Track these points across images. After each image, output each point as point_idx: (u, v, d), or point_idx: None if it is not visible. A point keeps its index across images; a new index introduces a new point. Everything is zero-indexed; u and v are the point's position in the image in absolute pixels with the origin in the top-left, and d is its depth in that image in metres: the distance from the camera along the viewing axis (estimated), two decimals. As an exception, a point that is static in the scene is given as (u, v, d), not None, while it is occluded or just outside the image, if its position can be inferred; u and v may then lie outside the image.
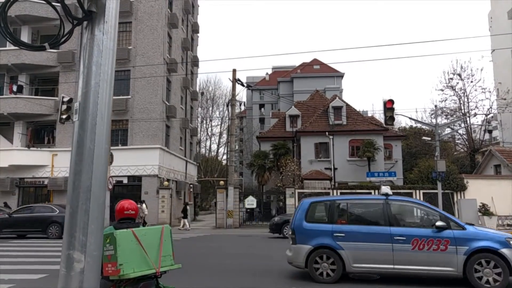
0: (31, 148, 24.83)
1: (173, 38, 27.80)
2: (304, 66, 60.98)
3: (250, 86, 24.51)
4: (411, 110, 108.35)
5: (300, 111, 35.26)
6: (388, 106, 16.10)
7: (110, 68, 2.38)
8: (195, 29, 35.59)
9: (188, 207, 23.77)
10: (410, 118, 37.20)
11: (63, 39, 2.42)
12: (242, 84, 24.24)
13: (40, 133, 26.13)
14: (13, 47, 24.71)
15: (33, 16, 24.84)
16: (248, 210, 24.57)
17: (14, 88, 24.93)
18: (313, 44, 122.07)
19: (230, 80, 23.89)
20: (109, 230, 3.62)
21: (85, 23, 2.40)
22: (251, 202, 23.92)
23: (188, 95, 33.14)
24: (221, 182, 25.24)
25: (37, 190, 25.07)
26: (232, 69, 24.07)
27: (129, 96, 24.41)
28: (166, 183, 24.14)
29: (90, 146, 2.20)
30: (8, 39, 2.38)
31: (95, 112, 2.24)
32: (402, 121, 54.92)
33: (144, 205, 22.65)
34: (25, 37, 25.38)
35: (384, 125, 24.67)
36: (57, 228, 16.70)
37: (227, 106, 25.69)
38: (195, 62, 35.14)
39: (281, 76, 62.16)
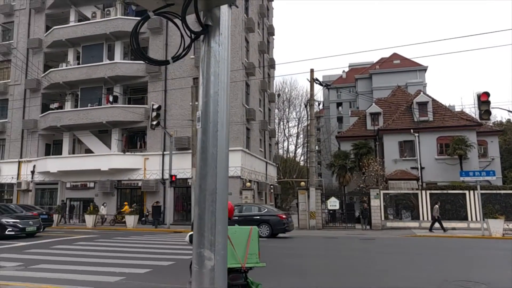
0: (126, 153, 27.07)
1: (250, 42, 28.43)
2: (383, 61, 58.39)
3: (328, 85, 24.17)
4: (506, 102, 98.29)
5: (381, 108, 33.89)
6: (483, 99, 14.83)
7: (226, 77, 2.50)
8: (271, 32, 36.02)
9: None
10: (509, 111, 33.74)
11: (183, 53, 2.60)
12: (320, 84, 23.97)
13: (133, 139, 28.40)
14: (108, 62, 27.22)
15: (124, 32, 27.08)
16: (331, 211, 24.18)
17: (111, 98, 27.43)
18: (391, 39, 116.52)
19: (308, 80, 23.76)
20: None
21: (201, 36, 2.55)
22: (333, 203, 23.50)
23: (266, 97, 33.63)
24: (302, 183, 25.23)
25: (132, 191, 27.25)
26: (309, 69, 24.00)
27: (213, 101, 25.43)
28: (248, 184, 24.73)
29: (213, 152, 2.34)
30: (140, 57, 2.62)
31: (215, 119, 2.37)
32: (497, 115, 50.05)
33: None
34: (118, 51, 27.80)
35: (479, 120, 22.70)
36: (268, 228, 17.16)
37: (306, 106, 25.57)
38: (272, 65, 35.55)
39: (359, 73, 60.25)
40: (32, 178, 28.88)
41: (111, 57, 28.07)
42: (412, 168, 28.71)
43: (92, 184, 27.51)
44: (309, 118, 24.39)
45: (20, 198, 29.18)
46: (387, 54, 65.14)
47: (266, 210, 18.30)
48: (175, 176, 23.27)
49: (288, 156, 55.05)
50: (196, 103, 23.63)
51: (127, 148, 27.94)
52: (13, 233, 15.69)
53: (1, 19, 30.84)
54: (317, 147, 58.07)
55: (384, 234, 19.52)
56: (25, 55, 30.01)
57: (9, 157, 30.01)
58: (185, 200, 26.15)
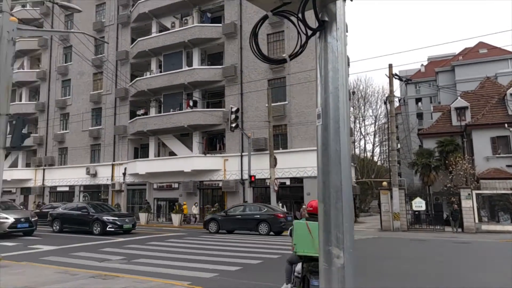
0: (207, 155, 28.19)
1: (324, 40, 27.95)
2: (466, 52, 54.03)
3: (408, 79, 22.92)
4: None
5: (468, 102, 31.37)
6: None
7: (344, 72, 2.47)
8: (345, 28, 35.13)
9: None
10: None
11: (300, 50, 2.61)
12: (399, 79, 22.86)
13: (213, 141, 29.50)
14: (187, 68, 28.59)
15: (201, 39, 28.27)
16: (416, 212, 22.88)
17: (191, 103, 28.78)
18: (473, 29, 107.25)
19: (386, 75, 22.78)
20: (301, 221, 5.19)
21: (318, 33, 2.53)
22: (419, 204, 22.22)
23: (341, 95, 32.82)
24: (384, 183, 24.21)
25: (213, 191, 28.31)
26: (388, 64, 22.94)
27: (286, 102, 25.54)
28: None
29: (336, 148, 2.31)
30: (259, 57, 2.68)
31: (336, 116, 2.34)
32: None
33: (280, 204, 24.15)
34: (196, 57, 29.09)
35: None
36: (266, 226, 18.17)
37: (385, 103, 24.51)
38: (347, 63, 34.59)
39: (439, 66, 56.32)
40: (123, 179, 31.32)
41: (189, 63, 29.46)
42: (508, 166, 26.10)
43: (176, 185, 29.08)
44: (389, 115, 23.34)
45: (114, 198, 31.82)
46: (470, 44, 60.06)
47: (265, 209, 19.01)
48: (254, 176, 23.69)
49: (365, 155, 53.22)
50: (273, 104, 24.07)
51: (207, 150, 29.10)
52: (113, 229, 17.18)
53: (94, 35, 33.89)
54: (398, 145, 55.37)
55: (480, 237, 17.98)
56: (114, 66, 32.73)
57: (104, 160, 32.90)
58: (264, 200, 26.48)
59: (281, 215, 18.36)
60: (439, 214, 22.84)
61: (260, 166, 25.27)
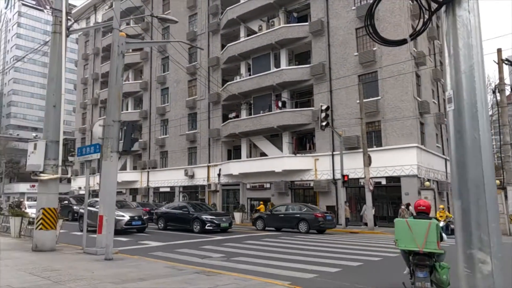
0: (297, 155, 28.11)
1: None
2: None
3: (524, 63, 20.17)
4: None
5: None
6: None
7: (480, 48, 2.12)
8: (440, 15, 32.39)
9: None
10: None
11: (423, 28, 2.34)
12: (511, 64, 20.28)
13: (302, 141, 29.33)
14: (275, 70, 28.85)
15: (288, 39, 28.29)
16: (537, 214, 20.09)
17: (280, 104, 28.96)
18: None
19: (494, 62, 20.40)
20: (401, 219, 5.99)
21: (444, 7, 2.22)
22: (539, 204, 19.47)
23: (440, 87, 30.35)
24: (497, 182, 21.66)
25: (305, 191, 28.12)
26: (496, 49, 20.51)
27: (379, 97, 24.32)
28: (427, 183, 22.67)
29: (475, 136, 2.00)
30: (376, 40, 2.47)
31: (472, 98, 2.04)
32: None
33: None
34: (283, 58, 29.20)
35: None
36: (306, 224, 19.38)
37: (493, 92, 21.95)
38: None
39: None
40: (218, 180, 32.71)
41: (277, 65, 29.69)
42: None
43: (268, 185, 29.50)
44: (499, 106, 20.88)
45: (210, 198, 33.41)
46: None
47: (305, 209, 20.12)
48: (347, 176, 22.97)
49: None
50: (365, 100, 23.11)
51: (297, 150, 29.01)
52: (211, 228, 17.98)
53: (188, 45, 36.03)
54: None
55: None
56: (207, 73, 34.41)
57: (200, 162, 34.75)
58: (357, 200, 25.58)
59: (319, 215, 19.35)
60: None
61: (352, 165, 24.45)
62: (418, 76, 25.34)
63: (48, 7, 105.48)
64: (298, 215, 19.87)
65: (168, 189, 37.71)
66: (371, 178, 22.04)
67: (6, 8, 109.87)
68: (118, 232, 16.71)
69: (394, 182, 23.67)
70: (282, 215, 20.67)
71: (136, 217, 17.70)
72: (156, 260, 9.60)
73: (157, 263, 8.93)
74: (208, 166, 34.01)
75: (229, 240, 15.27)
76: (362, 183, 24.37)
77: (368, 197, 21.56)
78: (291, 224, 20.01)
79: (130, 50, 40.84)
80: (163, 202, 36.35)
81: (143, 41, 26.59)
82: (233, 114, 32.80)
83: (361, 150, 23.73)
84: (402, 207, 20.75)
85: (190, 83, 36.74)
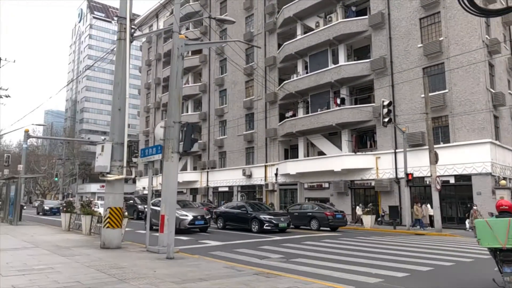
0: (357, 153, 27.19)
1: (491, 15, 24.01)
2: None
3: None
4: None
5: None
6: None
7: None
8: (517, -3, 29.62)
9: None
10: None
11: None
12: None
13: (363, 139, 28.32)
14: (333, 66, 28.13)
15: (346, 34, 27.46)
16: None
17: (338, 101, 28.22)
18: None
19: None
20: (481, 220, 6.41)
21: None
22: None
23: (517, 76, 27.76)
24: None
25: (365, 191, 27.14)
26: None
27: (446, 90, 22.75)
28: (503, 182, 20.81)
29: None
30: (472, 11, 2.14)
31: None
32: None
33: (429, 206, 22.58)
34: (342, 54, 28.41)
35: None
36: (316, 222, 20.50)
37: None
38: (522, 36, 29.11)
39: None
40: (276, 179, 32.63)
41: (335, 61, 28.95)
42: None
43: (327, 184, 28.88)
44: None
45: (268, 197, 33.45)
46: None
47: (317, 208, 21.21)
48: (412, 174, 21.76)
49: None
50: (430, 94, 21.71)
51: (357, 148, 28.07)
52: (269, 228, 17.88)
53: (245, 46, 36.37)
54: None
55: None
56: (263, 73, 34.50)
57: (257, 162, 34.94)
58: (423, 201, 24.14)
59: (329, 213, 20.33)
60: None
61: (417, 163, 23.16)
62: (491, 66, 23.37)
63: (115, 18, 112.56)
64: (310, 214, 21.01)
65: (226, 189, 38.38)
66: (438, 176, 20.67)
67: (79, 22, 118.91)
68: (181, 231, 17.14)
69: (464, 180, 22.04)
70: (296, 214, 21.66)
71: (199, 217, 17.87)
72: (215, 260, 9.66)
73: (217, 263, 8.97)
74: (265, 166, 34.07)
75: (288, 240, 15.07)
76: (427, 182, 23.01)
77: (435, 196, 20.25)
78: (304, 221, 21.18)
79: (190, 54, 42.19)
80: (222, 201, 37.08)
81: (201, 42, 27.22)
82: (290, 113, 32.55)
83: (426, 147, 22.38)
84: (474, 207, 19.23)
85: (247, 84, 37.07)
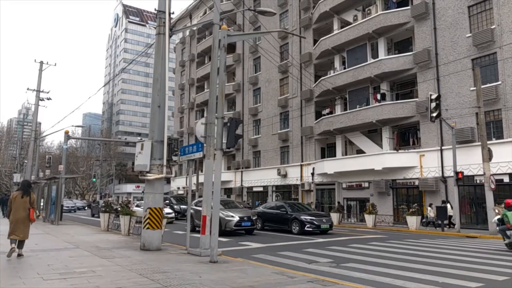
0: (399, 151, 25.89)
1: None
2: None
3: None
4: None
5: None
6: None
7: None
8: None
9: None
10: None
11: None
12: None
13: (405, 136, 26.94)
14: (373, 60, 26.95)
15: (387, 27, 26.21)
16: None
17: (378, 96, 27.00)
18: None
19: None
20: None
21: None
22: None
23: None
24: None
25: (408, 190, 25.79)
26: None
27: (499, 82, 21.15)
28: None
29: None
30: None
31: None
32: None
33: (448, 205, 21.76)
34: (382, 48, 27.17)
35: None
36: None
37: None
38: None
39: None
40: (312, 179, 31.73)
41: (374, 55, 27.75)
42: None
43: (366, 184, 27.72)
44: None
45: (304, 197, 32.60)
46: None
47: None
48: (462, 173, 20.35)
49: None
50: (481, 87, 20.22)
51: (399, 145, 26.74)
52: (311, 229, 17.12)
53: (279, 43, 35.71)
54: None
55: None
56: (299, 69, 33.68)
57: (293, 161, 34.15)
58: (472, 201, 22.62)
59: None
60: None
61: (465, 161, 21.69)
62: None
63: (149, 21, 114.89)
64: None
65: (261, 189, 37.82)
66: (492, 175, 19.19)
67: (115, 26, 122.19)
68: (227, 233, 16.53)
69: (520, 180, 20.38)
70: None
71: (245, 218, 16.97)
72: (261, 264, 9.05)
73: (264, 268, 8.35)
74: (301, 165, 33.24)
75: (333, 243, 14.27)
76: (477, 181, 21.51)
77: (489, 196, 18.82)
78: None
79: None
80: (256, 202, 36.55)
81: (244, 33, 26.51)
82: (327, 111, 31.58)
83: (476, 143, 20.98)
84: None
85: (281, 82, 36.36)
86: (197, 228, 16.81)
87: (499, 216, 13.40)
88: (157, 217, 10.82)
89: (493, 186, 18.72)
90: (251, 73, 40.31)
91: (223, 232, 16.07)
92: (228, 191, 41.94)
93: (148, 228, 10.72)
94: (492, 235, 18.05)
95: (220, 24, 9.85)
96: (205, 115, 43.99)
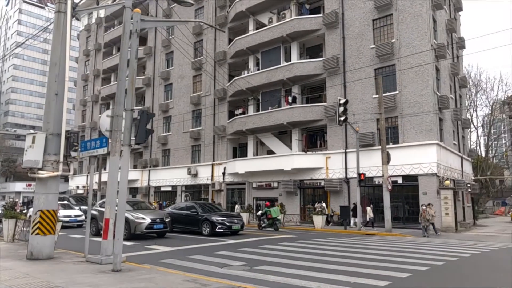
0: (307, 153, 26.86)
1: (438, 21, 24.88)
2: None
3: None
4: None
5: None
6: None
7: None
8: (458, 7, 31.21)
9: None
10: None
11: None
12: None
13: (313, 138, 28.06)
14: (286, 64, 27.59)
15: (300, 32, 27.03)
16: None
17: (290, 99, 27.70)
18: None
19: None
20: None
21: None
22: None
23: (457, 82, 29.16)
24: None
25: (315, 190, 26.88)
26: (526, 39, 19.22)
27: (397, 92, 23.08)
28: (447, 182, 21.47)
29: None
30: None
31: None
32: None
33: (323, 204, 24.09)
34: (294, 52, 27.94)
35: None
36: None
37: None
38: (461, 44, 30.72)
39: None
40: (223, 179, 31.45)
41: (287, 59, 28.44)
42: None
43: (276, 184, 28.26)
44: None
45: (214, 197, 32.15)
46: None
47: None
48: (364, 174, 21.74)
49: (479, 149, 47.37)
50: (383, 95, 21.81)
51: (307, 147, 27.76)
52: (222, 230, 16.70)
53: (193, 39, 34.78)
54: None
55: None
56: (213, 67, 33.15)
57: (204, 160, 33.49)
58: (371, 201, 24.35)
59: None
60: None
61: (367, 164, 23.25)
62: (437, 70, 24.14)
63: (49, 4, 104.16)
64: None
65: (169, 188, 36.48)
66: (389, 176, 20.82)
67: (6, 5, 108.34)
68: (137, 237, 15.20)
69: (411, 181, 22.47)
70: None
71: (158, 220, 15.62)
72: (171, 270, 8.35)
73: (174, 275, 7.67)
74: (213, 165, 32.77)
75: (244, 244, 14.03)
76: (377, 182, 23.20)
77: (386, 196, 20.36)
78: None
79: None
80: (164, 202, 35.14)
81: (159, 19, 24.79)
82: (240, 111, 31.54)
83: (376, 147, 22.61)
84: (423, 207, 19.55)
85: (195, 79, 35.47)
86: (101, 232, 15.34)
87: (261, 211, 22.30)
88: (50, 221, 9.43)
89: (390, 187, 20.28)
90: (163, 68, 38.68)
91: (132, 236, 14.94)
92: (133, 191, 39.64)
93: (37, 233, 9.28)
94: (388, 232, 19.57)
95: (131, 8, 8.91)
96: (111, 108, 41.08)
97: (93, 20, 49.06)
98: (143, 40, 40.26)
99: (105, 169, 41.19)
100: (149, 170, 38.44)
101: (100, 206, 16.11)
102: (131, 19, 8.85)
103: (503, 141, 61.23)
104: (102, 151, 9.20)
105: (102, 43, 46.30)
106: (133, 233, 14.94)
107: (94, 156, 9.69)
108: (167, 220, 16.26)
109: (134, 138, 8.62)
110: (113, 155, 8.64)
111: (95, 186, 37.52)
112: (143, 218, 15.33)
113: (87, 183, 42.91)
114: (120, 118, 8.61)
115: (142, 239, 15.29)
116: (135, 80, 8.41)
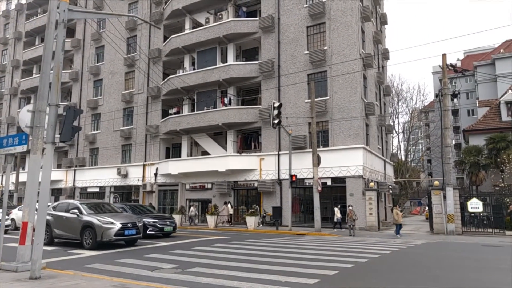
0: (242, 154, 27.06)
1: (366, 32, 26.47)
2: (508, 44, 51.42)
3: (464, 70, 21.04)
4: None
5: (521, 95, 29.22)
6: None
7: None
8: (384, 21, 33.46)
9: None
10: None
11: None
12: (455, 70, 21.08)
13: (248, 140, 28.33)
14: (222, 65, 27.57)
15: (236, 34, 27.19)
16: (472, 214, 21.08)
17: (225, 100, 27.73)
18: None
19: (440, 67, 21.12)
20: None
21: None
22: (475, 205, 20.43)
23: (382, 90, 31.22)
24: (436, 183, 22.45)
25: (248, 192, 27.15)
26: (441, 54, 21.20)
27: (328, 97, 24.13)
28: (372, 184, 22.86)
29: None
30: None
31: None
32: None
33: (229, 205, 25.58)
34: (231, 53, 28.03)
35: None
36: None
37: (436, 96, 22.79)
38: (386, 55, 32.98)
39: (477, 60, 53.72)
40: (155, 180, 30.58)
41: (224, 60, 28.44)
42: None
43: (209, 185, 28.10)
44: (442, 109, 21.65)
45: (145, 199, 31.13)
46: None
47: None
48: (296, 176, 22.39)
49: (399, 154, 51.15)
50: (315, 100, 22.65)
51: (242, 149, 27.98)
52: (153, 232, 16.21)
53: (126, 34, 33.39)
54: (424, 143, 52.98)
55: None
56: (146, 65, 32.09)
57: (135, 160, 32.29)
58: (302, 201, 25.19)
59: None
60: (500, 216, 20.92)
61: (299, 166, 24.00)
62: (365, 78, 25.63)
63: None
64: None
65: (97, 189, 34.67)
66: (319, 178, 21.68)
67: None
68: (105, 245, 13.23)
69: (339, 182, 23.60)
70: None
71: (129, 225, 13.39)
72: (97, 275, 7.92)
73: (101, 281, 7.28)
74: (144, 165, 31.74)
75: (176, 246, 13.74)
76: (307, 184, 24.02)
77: (316, 197, 21.16)
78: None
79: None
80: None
81: (89, 11, 23.30)
82: (174, 110, 30.90)
83: (308, 150, 23.41)
84: (350, 208, 20.62)
85: (127, 75, 34.09)
86: (55, 240, 14.13)
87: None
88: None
89: (319, 189, 21.11)
90: (92, 62, 36.65)
91: (99, 245, 12.87)
92: (57, 192, 37.05)
93: None
94: (317, 232, 20.35)
95: (59, -4, 8.31)
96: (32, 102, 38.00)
97: (13, 6, 45.08)
98: (71, 32, 37.86)
99: (23, 168, 38.01)
100: (74, 170, 36.18)
101: (54, 210, 14.34)
102: (58, 8, 8.26)
103: (420, 147, 66.65)
104: (21, 148, 8.45)
105: (23, 31, 42.73)
106: (99, 241, 12.74)
107: (11, 154, 8.88)
108: (139, 224, 14.06)
109: (58, 135, 8.06)
110: (34, 153, 7.98)
111: (12, 187, 34.55)
112: (112, 223, 12.99)
113: (1, 184, 39.27)
114: (43, 114, 7.97)
115: (111, 247, 13.30)
116: (61, 73, 7.85)
